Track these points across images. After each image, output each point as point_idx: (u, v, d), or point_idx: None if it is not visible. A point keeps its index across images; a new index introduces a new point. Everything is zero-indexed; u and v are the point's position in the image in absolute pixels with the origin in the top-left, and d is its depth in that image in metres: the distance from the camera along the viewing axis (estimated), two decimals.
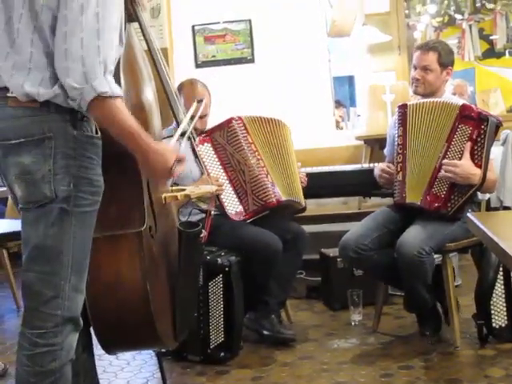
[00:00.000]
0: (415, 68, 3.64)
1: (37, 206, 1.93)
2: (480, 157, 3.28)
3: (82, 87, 1.84)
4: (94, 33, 1.85)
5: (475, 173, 3.27)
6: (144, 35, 2.54)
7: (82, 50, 1.83)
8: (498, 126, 3.32)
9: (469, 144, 3.29)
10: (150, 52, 2.58)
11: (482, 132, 3.28)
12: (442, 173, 3.32)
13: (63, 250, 1.95)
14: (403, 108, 3.55)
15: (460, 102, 3.49)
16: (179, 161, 2.17)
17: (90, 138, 1.99)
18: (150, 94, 2.45)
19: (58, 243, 1.94)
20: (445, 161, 3.33)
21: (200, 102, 3.12)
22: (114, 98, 1.90)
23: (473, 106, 3.46)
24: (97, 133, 2.02)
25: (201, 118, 3.71)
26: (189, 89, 3.81)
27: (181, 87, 3.85)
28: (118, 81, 2.03)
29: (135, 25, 2.48)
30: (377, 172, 3.72)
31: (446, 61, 3.59)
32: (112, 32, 1.92)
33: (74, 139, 1.94)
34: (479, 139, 3.29)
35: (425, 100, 3.53)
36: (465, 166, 3.28)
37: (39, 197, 1.92)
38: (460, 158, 3.30)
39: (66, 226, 1.94)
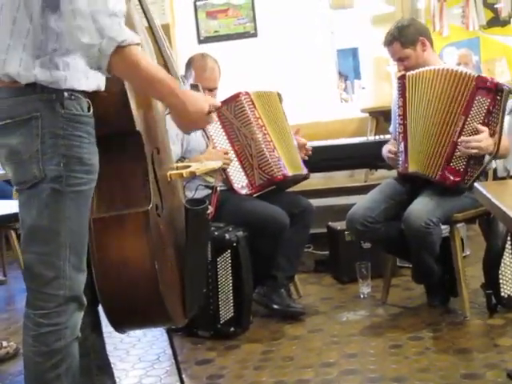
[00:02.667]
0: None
1: (28, 186, 1.92)
2: (495, 126, 3.27)
3: (99, 42, 1.79)
4: None
5: (491, 143, 3.26)
6: (144, 12, 2.51)
7: (89, 7, 1.78)
8: (509, 95, 3.29)
9: (487, 116, 3.26)
10: (150, 29, 2.56)
11: (497, 102, 3.26)
12: (464, 150, 3.27)
13: (60, 230, 1.94)
14: (402, 79, 3.53)
15: (470, 71, 3.44)
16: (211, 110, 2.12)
17: (79, 116, 1.95)
18: None
19: (54, 224, 1.94)
20: (465, 138, 3.28)
21: (196, 88, 3.13)
22: (134, 45, 1.85)
23: (487, 77, 3.41)
24: (89, 110, 2.00)
25: (210, 90, 3.73)
26: (200, 62, 3.80)
27: (191, 61, 3.83)
28: None
29: (135, 1, 2.45)
30: (384, 153, 3.71)
31: (409, 39, 3.56)
32: None
33: (61, 118, 1.91)
34: (494, 110, 3.27)
35: (424, 68, 3.49)
36: (485, 139, 3.25)
37: (28, 177, 1.91)
38: (477, 131, 3.27)
39: (60, 206, 1.93)
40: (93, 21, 1.78)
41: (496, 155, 3.29)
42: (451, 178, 3.33)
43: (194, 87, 2.94)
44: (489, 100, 3.26)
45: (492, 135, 3.26)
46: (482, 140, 3.25)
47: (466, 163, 3.32)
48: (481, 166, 3.31)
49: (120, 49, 1.81)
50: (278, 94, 4.01)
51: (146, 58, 1.91)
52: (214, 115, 2.17)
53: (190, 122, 2.10)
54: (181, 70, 4.00)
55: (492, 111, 3.27)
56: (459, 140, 3.30)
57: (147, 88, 1.97)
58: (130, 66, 1.86)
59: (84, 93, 1.98)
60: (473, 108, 3.29)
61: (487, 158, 3.33)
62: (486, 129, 3.26)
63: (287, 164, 3.77)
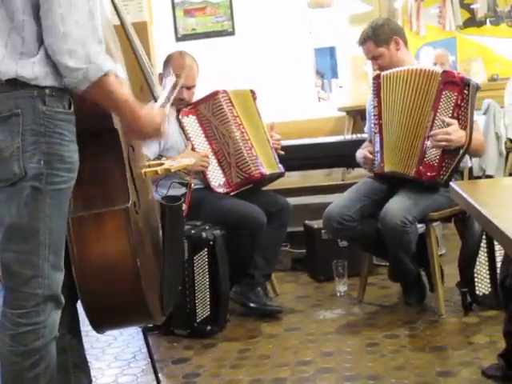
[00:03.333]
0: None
1: (8, 184, 1.91)
2: (465, 120, 3.30)
3: (86, 67, 1.86)
4: (88, 14, 1.87)
5: (463, 135, 3.28)
6: (116, 9, 2.50)
7: (79, 32, 1.85)
8: (476, 89, 3.33)
9: (455, 109, 3.30)
10: (122, 27, 2.55)
11: (465, 96, 3.30)
12: (435, 143, 3.31)
13: (39, 228, 1.93)
14: (377, 79, 3.56)
15: (437, 68, 3.50)
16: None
17: (61, 113, 1.95)
18: (120, 72, 2.42)
19: (34, 222, 1.93)
20: (434, 131, 3.32)
21: (178, 76, 3.11)
22: (112, 72, 1.94)
23: (453, 71, 3.46)
24: (69, 108, 2.00)
25: (188, 88, 3.73)
26: (178, 60, 3.78)
27: (169, 59, 3.82)
28: None
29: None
30: (359, 159, 3.72)
31: (383, 38, 3.60)
32: (98, 10, 1.93)
33: (43, 115, 1.91)
34: (463, 103, 3.30)
35: (399, 69, 3.52)
36: (455, 131, 3.29)
37: (9, 174, 1.90)
38: (447, 125, 3.30)
39: (41, 205, 1.92)
40: (82, 45, 1.86)
41: (468, 148, 3.31)
42: (427, 173, 3.35)
43: (178, 76, 2.94)
44: (456, 93, 3.29)
45: (463, 128, 3.29)
46: (451, 132, 3.27)
47: (440, 157, 3.34)
48: (455, 159, 3.33)
49: (104, 76, 1.90)
50: (252, 91, 4.00)
51: (119, 86, 2.00)
52: (166, 126, 2.28)
53: (141, 136, 2.26)
54: (158, 67, 3.99)
55: (460, 105, 3.30)
56: (429, 134, 3.33)
57: (111, 109, 2.08)
58: (105, 94, 1.96)
59: (65, 90, 1.97)
60: (441, 102, 3.33)
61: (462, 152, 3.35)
62: (455, 121, 3.29)
63: (264, 162, 3.77)
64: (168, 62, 3.80)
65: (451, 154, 3.33)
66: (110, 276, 2.17)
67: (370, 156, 3.59)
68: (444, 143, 3.28)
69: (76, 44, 1.84)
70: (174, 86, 3.10)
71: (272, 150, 3.91)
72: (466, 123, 3.29)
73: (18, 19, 1.88)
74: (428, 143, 3.35)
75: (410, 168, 3.42)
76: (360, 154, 3.71)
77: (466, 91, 3.30)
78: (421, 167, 3.37)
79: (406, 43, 3.66)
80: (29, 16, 1.88)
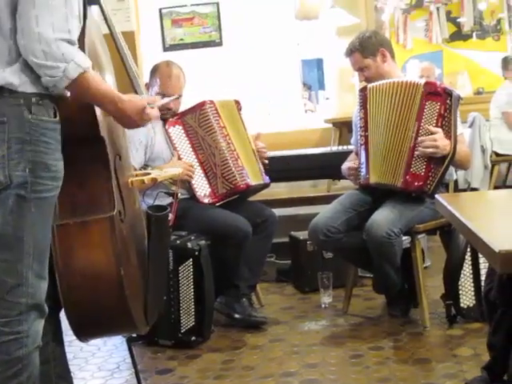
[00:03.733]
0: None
1: None
2: (449, 129, 3.33)
3: (64, 65, 1.88)
4: (63, 17, 1.88)
5: (448, 143, 3.31)
6: (105, 18, 2.50)
7: (54, 35, 1.86)
8: (459, 100, 3.39)
9: (439, 119, 3.33)
10: (111, 36, 2.55)
11: (447, 106, 3.34)
12: (422, 150, 3.33)
13: (23, 237, 1.92)
14: (363, 91, 3.58)
15: (421, 80, 3.53)
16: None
17: (47, 122, 1.96)
18: (109, 80, 2.42)
19: (18, 230, 1.92)
20: (421, 138, 3.35)
21: (177, 98, 3.15)
22: (90, 69, 1.97)
23: (435, 82, 3.50)
24: (55, 116, 2.00)
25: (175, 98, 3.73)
26: (165, 70, 3.78)
27: (156, 69, 3.81)
28: None
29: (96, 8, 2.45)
30: (344, 171, 3.73)
31: (370, 50, 3.63)
32: (75, 14, 1.95)
33: (28, 123, 1.91)
34: (446, 114, 3.34)
35: (385, 81, 3.54)
36: (441, 139, 3.31)
37: None
38: (431, 133, 3.33)
39: (25, 213, 1.92)
40: (57, 47, 1.87)
41: (454, 157, 3.33)
42: (414, 183, 3.37)
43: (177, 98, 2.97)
44: (439, 103, 3.33)
45: (447, 138, 3.32)
46: (437, 139, 3.30)
47: (426, 167, 3.35)
48: (441, 168, 3.35)
49: (84, 73, 1.93)
50: (236, 102, 4.00)
51: (98, 80, 2.04)
52: (155, 111, 2.30)
53: (130, 122, 2.22)
54: (145, 77, 3.99)
55: (444, 115, 3.34)
56: (416, 142, 3.36)
57: (91, 101, 2.09)
58: (85, 90, 1.99)
59: (51, 98, 1.97)
60: (424, 113, 3.36)
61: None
62: (439, 129, 3.32)
63: (250, 173, 3.77)
64: (155, 71, 3.80)
65: (437, 163, 3.35)
66: (93, 285, 2.17)
67: (355, 166, 3.61)
68: (431, 150, 3.30)
69: (50, 45, 1.86)
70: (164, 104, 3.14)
71: (257, 161, 3.91)
72: (450, 133, 3.33)
73: (5, 27, 1.89)
74: (416, 153, 3.36)
75: (396, 179, 3.43)
76: (345, 166, 3.73)
77: (448, 101, 3.34)
78: (407, 177, 3.39)
79: (392, 55, 3.68)
80: (15, 24, 1.89)
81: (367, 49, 3.62)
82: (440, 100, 3.33)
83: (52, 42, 1.86)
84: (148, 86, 3.78)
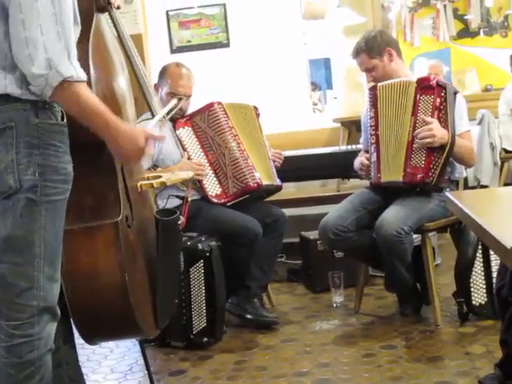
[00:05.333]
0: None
1: (3, 197, 1.91)
2: (445, 121, 3.36)
3: (47, 73, 1.82)
4: (52, 18, 1.84)
5: (445, 132, 3.34)
6: (113, 22, 2.51)
7: (42, 37, 1.82)
8: (455, 93, 3.42)
9: (434, 111, 3.36)
10: (120, 39, 2.56)
11: (443, 99, 3.37)
12: (419, 141, 3.35)
13: (34, 240, 1.93)
14: (373, 90, 3.58)
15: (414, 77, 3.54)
16: (150, 140, 2.18)
17: (54, 125, 1.95)
18: (122, 82, 2.42)
19: (29, 234, 1.92)
20: (418, 130, 3.36)
21: (180, 99, 3.14)
22: (80, 82, 1.90)
23: (429, 76, 3.51)
24: (62, 120, 2.00)
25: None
26: (175, 70, 3.80)
27: (165, 69, 3.83)
28: (87, 70, 2.02)
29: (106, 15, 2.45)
30: (356, 166, 3.74)
31: (376, 50, 3.62)
32: (68, 15, 1.90)
33: (36, 127, 1.91)
34: (442, 106, 3.37)
35: (393, 80, 3.55)
36: (437, 128, 3.33)
37: (4, 187, 1.90)
38: (427, 123, 3.36)
39: (36, 217, 1.92)
40: (44, 50, 1.82)
41: (453, 146, 3.34)
42: (416, 176, 3.38)
43: (180, 99, 2.96)
44: (433, 96, 3.37)
45: (445, 128, 3.34)
46: (433, 128, 3.32)
47: (426, 158, 3.37)
48: (441, 158, 3.35)
49: (66, 83, 1.86)
50: (255, 108, 4.02)
51: (90, 94, 1.96)
52: (149, 148, 2.19)
53: (122, 155, 2.15)
54: (153, 80, 4.00)
55: (440, 107, 3.37)
56: (413, 134, 3.38)
57: (87, 121, 1.99)
58: (71, 100, 1.92)
59: (57, 102, 1.97)
60: (419, 107, 3.40)
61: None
62: (434, 119, 3.35)
63: (261, 173, 3.78)
64: (164, 72, 3.81)
65: (436, 153, 3.37)
66: (98, 290, 2.17)
67: (367, 162, 3.61)
68: (428, 140, 3.33)
69: (37, 49, 1.81)
70: (174, 107, 3.14)
71: (270, 164, 3.91)
72: (447, 124, 3.35)
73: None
74: (414, 146, 3.39)
75: (399, 174, 3.44)
76: (358, 160, 3.73)
77: (443, 94, 3.37)
78: (408, 170, 3.41)
79: (399, 54, 3.68)
80: (7, 28, 1.87)
81: (373, 49, 3.61)
82: (434, 93, 3.38)
83: (39, 46, 1.81)
84: (157, 88, 3.79)
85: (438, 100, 3.37)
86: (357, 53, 3.67)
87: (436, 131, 3.32)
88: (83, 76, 1.92)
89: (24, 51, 1.82)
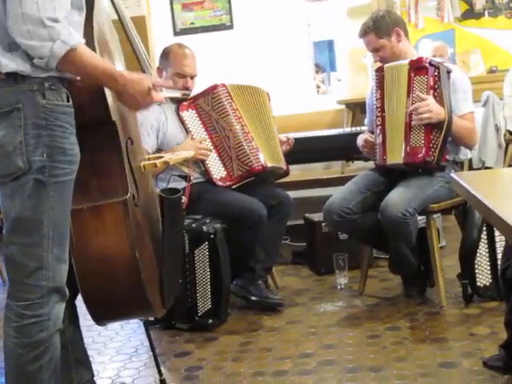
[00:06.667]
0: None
1: (12, 178, 1.92)
2: (441, 99, 3.37)
3: (50, 44, 1.85)
4: None
5: (441, 108, 3.35)
6: (113, 4, 2.50)
7: (39, 13, 1.84)
8: (448, 72, 3.43)
9: (429, 91, 3.38)
10: (120, 22, 2.54)
11: (436, 79, 3.39)
12: (417, 117, 3.36)
13: (43, 221, 1.94)
14: (380, 71, 3.57)
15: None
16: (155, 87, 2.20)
17: (61, 106, 1.97)
18: (119, 67, 2.42)
19: (37, 215, 1.94)
20: (414, 105, 3.37)
21: (186, 95, 3.15)
22: (80, 45, 1.93)
23: (421, 57, 3.50)
24: (68, 101, 2.00)
25: (191, 78, 3.75)
26: (179, 51, 3.78)
27: (168, 51, 3.80)
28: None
29: None
30: (359, 142, 3.74)
31: (384, 30, 3.59)
32: None
33: (43, 109, 1.92)
34: (436, 86, 3.39)
35: (400, 62, 3.54)
36: (433, 104, 3.34)
37: (13, 169, 1.91)
38: (422, 100, 3.38)
39: (44, 197, 1.94)
40: (43, 26, 1.84)
41: (451, 123, 3.34)
42: (418, 155, 3.38)
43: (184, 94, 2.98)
44: (426, 76, 3.39)
45: (441, 105, 3.35)
46: (430, 104, 3.34)
47: (425, 137, 3.38)
48: (440, 136, 3.36)
49: (70, 51, 1.89)
50: (257, 88, 3.99)
51: (91, 54, 2.00)
52: (159, 95, 2.25)
53: (133, 102, 2.16)
54: (157, 62, 3.98)
55: (434, 86, 3.39)
56: (410, 110, 3.39)
57: (91, 79, 2.05)
58: (77, 65, 1.95)
59: (62, 83, 1.98)
60: (414, 87, 3.42)
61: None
62: (429, 96, 3.36)
63: (266, 155, 3.76)
64: (167, 54, 3.79)
65: (435, 131, 3.38)
66: (109, 268, 2.18)
67: (371, 139, 3.60)
68: (426, 115, 3.34)
69: (35, 25, 1.84)
70: (177, 99, 3.14)
71: (277, 146, 3.89)
72: (443, 102, 3.36)
73: (1, 10, 1.89)
74: (412, 123, 3.39)
75: (400, 156, 3.44)
76: (360, 138, 3.73)
77: (436, 73, 3.39)
78: (408, 150, 3.41)
79: (406, 34, 3.66)
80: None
81: (381, 29, 3.59)
82: (428, 73, 3.39)
83: (36, 21, 1.83)
84: (161, 71, 3.77)
85: (432, 80, 3.38)
86: (364, 32, 3.64)
87: (432, 106, 3.33)
88: (81, 39, 1.95)
89: (22, 27, 1.84)
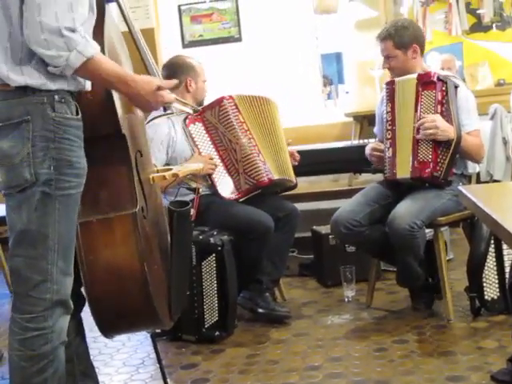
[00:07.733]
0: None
1: (18, 190, 1.92)
2: (449, 115, 3.37)
3: (67, 54, 1.87)
4: (67, 5, 1.87)
5: (450, 126, 3.34)
6: (124, 16, 2.51)
7: (57, 22, 1.85)
8: (456, 87, 3.43)
9: (437, 106, 3.37)
10: (130, 33, 2.55)
11: (444, 93, 3.38)
12: (423, 132, 3.36)
13: (48, 233, 1.95)
14: (391, 84, 3.57)
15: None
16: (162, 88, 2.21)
17: (70, 119, 1.98)
18: None
19: (43, 227, 1.94)
20: (421, 120, 3.38)
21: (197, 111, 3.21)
22: (96, 55, 1.94)
23: (429, 72, 3.50)
24: (77, 114, 2.01)
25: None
26: (195, 62, 3.85)
27: (189, 62, 3.82)
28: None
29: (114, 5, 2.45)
30: (368, 151, 3.73)
31: (404, 42, 3.56)
32: (82, 2, 1.94)
33: (52, 121, 1.93)
34: (444, 101, 3.39)
35: (410, 76, 3.53)
36: (440, 120, 3.34)
37: (20, 181, 1.91)
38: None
39: (50, 210, 1.94)
40: (60, 35, 1.85)
41: (460, 140, 3.33)
42: (425, 170, 3.38)
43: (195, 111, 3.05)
44: (434, 91, 3.38)
45: (450, 123, 3.35)
46: (436, 120, 3.33)
47: (433, 153, 3.37)
48: (448, 152, 3.35)
49: (87, 62, 1.91)
50: (266, 99, 3.97)
51: (107, 61, 2.01)
52: (170, 95, 2.26)
53: (144, 102, 2.16)
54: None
55: (442, 102, 3.38)
56: (418, 125, 3.40)
57: (105, 85, 2.08)
58: (94, 74, 1.98)
59: (72, 96, 1.99)
60: (421, 102, 3.42)
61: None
62: (437, 115, 3.36)
63: (273, 168, 3.76)
64: (191, 66, 3.79)
65: (443, 147, 3.37)
66: (118, 281, 2.18)
67: (379, 147, 3.60)
68: (431, 131, 3.33)
69: (53, 34, 1.85)
70: (187, 113, 3.16)
71: (287, 158, 3.88)
72: (451, 118, 3.35)
73: (15, 22, 1.90)
74: (417, 136, 3.39)
75: (408, 170, 3.44)
76: (369, 147, 3.73)
77: (444, 88, 3.38)
78: (416, 165, 3.40)
79: (422, 52, 3.65)
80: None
81: (401, 39, 3.55)
82: (436, 88, 3.39)
83: (54, 30, 1.85)
84: (190, 82, 3.77)
85: (440, 95, 3.38)
86: (384, 37, 3.59)
87: (439, 123, 3.33)
88: (98, 47, 1.97)
89: (39, 36, 1.85)
